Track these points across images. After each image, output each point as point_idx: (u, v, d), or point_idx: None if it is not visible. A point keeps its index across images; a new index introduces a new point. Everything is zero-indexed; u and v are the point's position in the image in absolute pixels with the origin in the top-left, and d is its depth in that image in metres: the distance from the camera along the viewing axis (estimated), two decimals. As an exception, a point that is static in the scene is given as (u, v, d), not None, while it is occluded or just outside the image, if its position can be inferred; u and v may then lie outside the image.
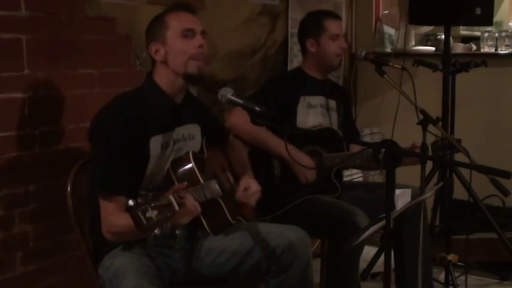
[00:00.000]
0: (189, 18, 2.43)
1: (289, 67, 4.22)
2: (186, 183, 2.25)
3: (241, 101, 2.34)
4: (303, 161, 3.01)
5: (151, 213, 1.92)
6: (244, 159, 2.77)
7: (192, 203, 2.15)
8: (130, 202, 1.92)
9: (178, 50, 2.39)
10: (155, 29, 2.43)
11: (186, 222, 2.18)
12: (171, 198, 2.01)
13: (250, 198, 2.53)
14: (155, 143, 2.36)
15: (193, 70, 2.40)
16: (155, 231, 1.93)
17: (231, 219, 2.45)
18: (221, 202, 2.41)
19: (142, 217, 1.91)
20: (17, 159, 2.63)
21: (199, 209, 2.19)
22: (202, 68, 2.42)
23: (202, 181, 2.35)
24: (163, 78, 2.42)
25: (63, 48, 2.79)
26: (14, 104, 2.61)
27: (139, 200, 1.92)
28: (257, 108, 2.29)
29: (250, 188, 2.54)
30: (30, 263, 2.71)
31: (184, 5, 2.47)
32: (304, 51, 3.32)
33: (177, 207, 2.01)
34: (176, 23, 2.40)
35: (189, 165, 2.38)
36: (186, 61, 2.39)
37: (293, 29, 4.22)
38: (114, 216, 2.26)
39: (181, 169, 2.39)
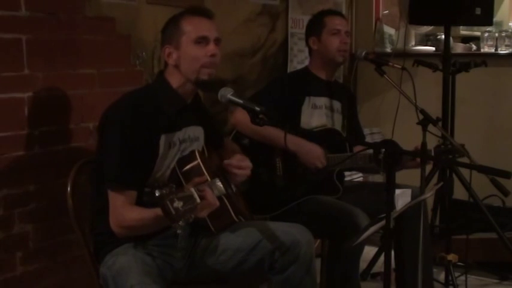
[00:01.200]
0: (205, 25, 2.41)
1: (289, 67, 4.22)
2: (205, 176, 2.26)
3: (241, 101, 2.34)
4: (310, 148, 3.02)
5: (178, 204, 1.93)
6: (234, 150, 2.76)
7: (212, 196, 2.15)
8: (157, 192, 1.93)
9: (190, 57, 2.38)
10: (170, 31, 2.42)
11: (205, 216, 2.16)
12: (193, 190, 2.01)
13: (241, 170, 2.50)
14: (164, 140, 2.37)
15: (204, 77, 2.39)
16: (180, 222, 1.93)
17: (235, 217, 2.45)
18: (225, 200, 2.41)
19: (171, 207, 1.92)
20: (17, 159, 2.63)
21: (217, 202, 2.18)
22: (213, 75, 2.41)
23: (209, 178, 2.35)
24: (175, 80, 2.42)
25: (63, 48, 2.79)
26: (14, 104, 2.61)
27: (164, 191, 1.93)
28: (257, 108, 2.29)
29: (244, 160, 2.52)
30: (30, 263, 2.71)
31: (201, 9, 2.46)
32: (309, 51, 3.32)
33: (198, 200, 2.00)
34: (191, 28, 2.38)
35: (196, 163, 2.38)
36: (198, 68, 2.38)
37: (293, 29, 4.23)
38: (126, 209, 2.26)
39: (188, 166, 2.39)
